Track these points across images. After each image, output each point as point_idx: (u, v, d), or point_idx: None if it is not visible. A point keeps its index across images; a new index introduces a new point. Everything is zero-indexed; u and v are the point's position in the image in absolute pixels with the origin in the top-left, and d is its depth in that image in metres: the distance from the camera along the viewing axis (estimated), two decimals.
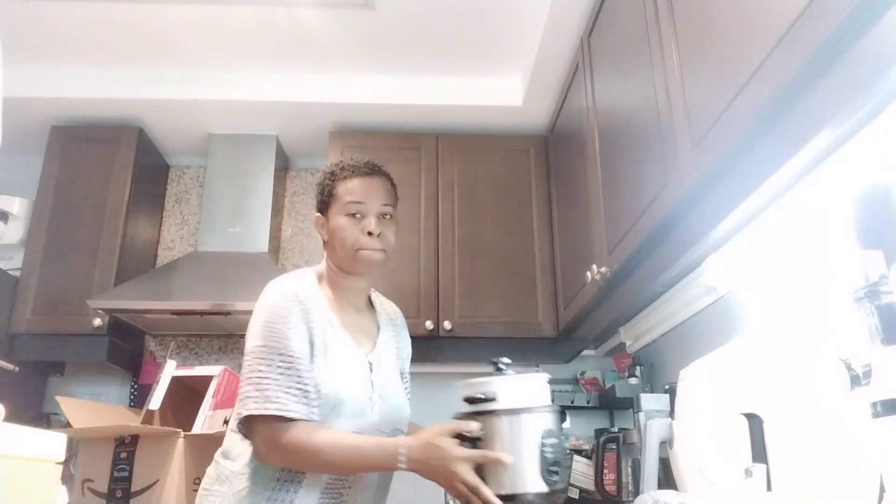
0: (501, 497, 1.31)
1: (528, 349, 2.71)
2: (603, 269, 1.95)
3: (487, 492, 1.23)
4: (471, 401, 1.48)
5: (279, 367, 1.31)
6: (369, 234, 1.45)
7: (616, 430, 1.70)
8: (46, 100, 2.81)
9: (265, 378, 1.30)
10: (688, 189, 1.34)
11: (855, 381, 1.02)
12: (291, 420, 1.27)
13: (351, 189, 1.49)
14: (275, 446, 1.29)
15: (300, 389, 1.31)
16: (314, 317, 1.39)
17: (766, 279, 1.63)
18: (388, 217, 1.51)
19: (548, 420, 1.44)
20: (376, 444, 1.32)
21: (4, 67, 2.21)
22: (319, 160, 3.25)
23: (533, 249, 2.77)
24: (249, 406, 1.28)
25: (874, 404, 0.78)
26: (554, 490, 1.33)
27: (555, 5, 2.21)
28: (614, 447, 1.96)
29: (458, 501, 1.92)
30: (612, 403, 2.71)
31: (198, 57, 2.75)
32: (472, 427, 1.29)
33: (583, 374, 2.91)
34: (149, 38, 2.63)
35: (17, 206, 2.90)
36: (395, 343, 1.61)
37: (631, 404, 2.13)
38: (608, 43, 2.01)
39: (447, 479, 1.26)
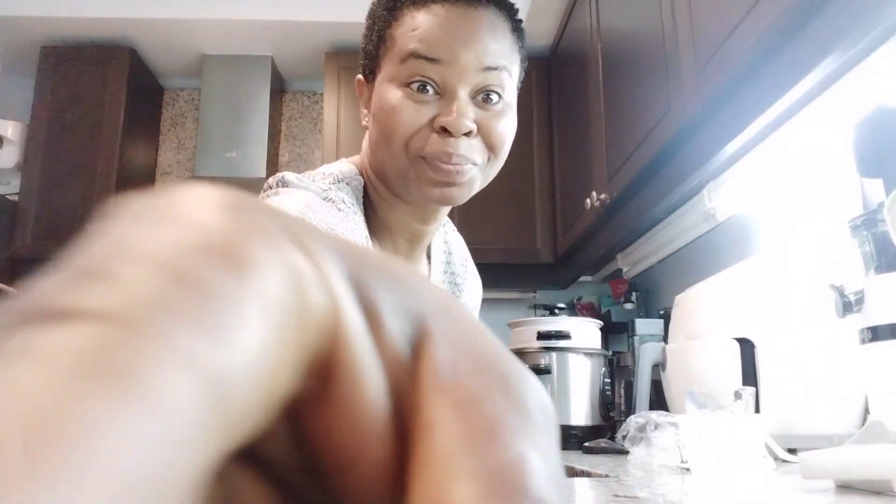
0: (564, 427, 1.47)
1: (525, 275, 2.74)
2: (602, 196, 1.95)
3: None
4: (545, 336, 1.61)
5: None
6: (443, 131, 0.72)
7: (611, 353, 1.74)
8: (36, 19, 2.72)
9: None
10: (691, 114, 1.33)
11: (847, 307, 1.04)
12: None
13: (421, 27, 0.72)
14: None
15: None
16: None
17: (765, 206, 1.63)
18: (494, 97, 0.75)
19: (604, 363, 1.63)
20: None
21: None
22: (315, 83, 3.19)
23: (533, 175, 2.75)
24: None
25: (863, 330, 0.80)
26: (607, 425, 1.53)
27: None
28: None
29: None
30: (607, 328, 2.77)
31: None
32: None
33: (579, 299, 2.95)
34: None
35: (11, 129, 2.86)
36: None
37: (626, 329, 2.17)
38: None
39: None
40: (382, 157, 0.76)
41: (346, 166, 0.80)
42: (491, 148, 0.76)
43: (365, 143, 0.82)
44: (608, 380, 1.68)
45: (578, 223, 2.29)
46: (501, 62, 0.74)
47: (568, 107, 2.53)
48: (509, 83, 0.76)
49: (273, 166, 3.06)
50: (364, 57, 0.80)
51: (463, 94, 0.72)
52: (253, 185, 2.78)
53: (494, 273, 2.78)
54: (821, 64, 0.94)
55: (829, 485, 0.71)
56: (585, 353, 1.68)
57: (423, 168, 0.72)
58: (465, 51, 0.72)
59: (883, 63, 0.93)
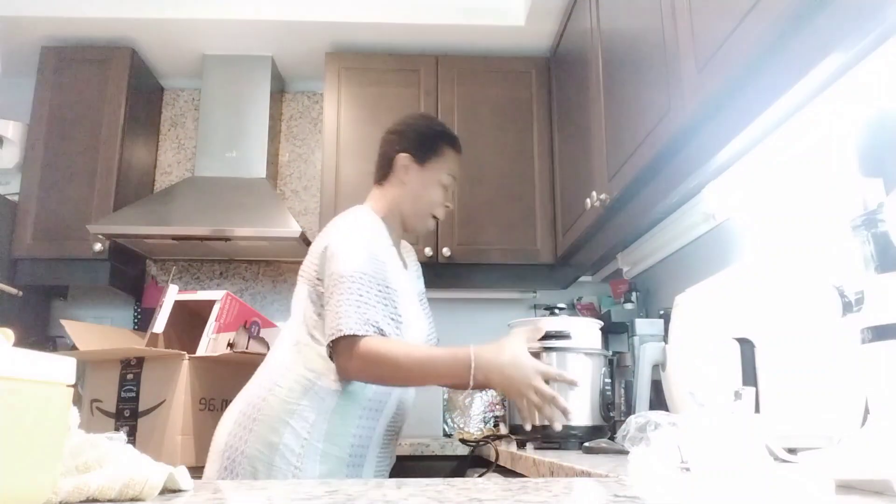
0: (565, 428, 1.54)
1: (526, 275, 2.74)
2: (602, 196, 1.95)
3: (562, 400, 1.31)
4: (545, 336, 1.65)
5: (377, 295, 1.38)
6: (447, 207, 1.63)
7: (611, 353, 1.74)
8: (36, 19, 2.72)
9: (366, 303, 1.36)
10: (691, 114, 1.33)
11: (847, 307, 1.04)
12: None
13: (455, 163, 1.63)
14: (360, 358, 1.32)
15: (393, 320, 1.41)
16: (390, 252, 1.52)
17: (765, 207, 1.63)
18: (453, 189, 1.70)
19: (605, 363, 1.63)
20: (450, 354, 1.35)
21: None
22: (315, 83, 3.19)
23: (533, 176, 2.75)
24: (351, 326, 1.33)
25: (864, 330, 0.80)
26: (607, 425, 1.59)
27: None
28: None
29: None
30: (607, 328, 2.77)
31: None
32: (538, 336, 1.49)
33: (580, 299, 2.95)
34: None
35: (12, 130, 2.86)
36: (416, 276, 1.75)
37: (626, 329, 2.17)
38: None
39: (519, 389, 1.30)
40: (413, 209, 1.60)
41: (367, 206, 1.61)
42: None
43: (391, 188, 1.61)
44: (608, 380, 1.67)
45: (578, 223, 2.29)
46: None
47: (568, 107, 2.53)
48: None
49: (273, 166, 3.06)
50: (417, 149, 1.59)
51: (453, 190, 1.66)
52: (253, 185, 2.78)
53: (494, 273, 2.79)
54: (821, 64, 0.94)
55: (829, 485, 0.71)
56: (585, 353, 1.68)
57: (429, 221, 1.63)
58: (459, 176, 1.66)
59: (883, 63, 0.93)
